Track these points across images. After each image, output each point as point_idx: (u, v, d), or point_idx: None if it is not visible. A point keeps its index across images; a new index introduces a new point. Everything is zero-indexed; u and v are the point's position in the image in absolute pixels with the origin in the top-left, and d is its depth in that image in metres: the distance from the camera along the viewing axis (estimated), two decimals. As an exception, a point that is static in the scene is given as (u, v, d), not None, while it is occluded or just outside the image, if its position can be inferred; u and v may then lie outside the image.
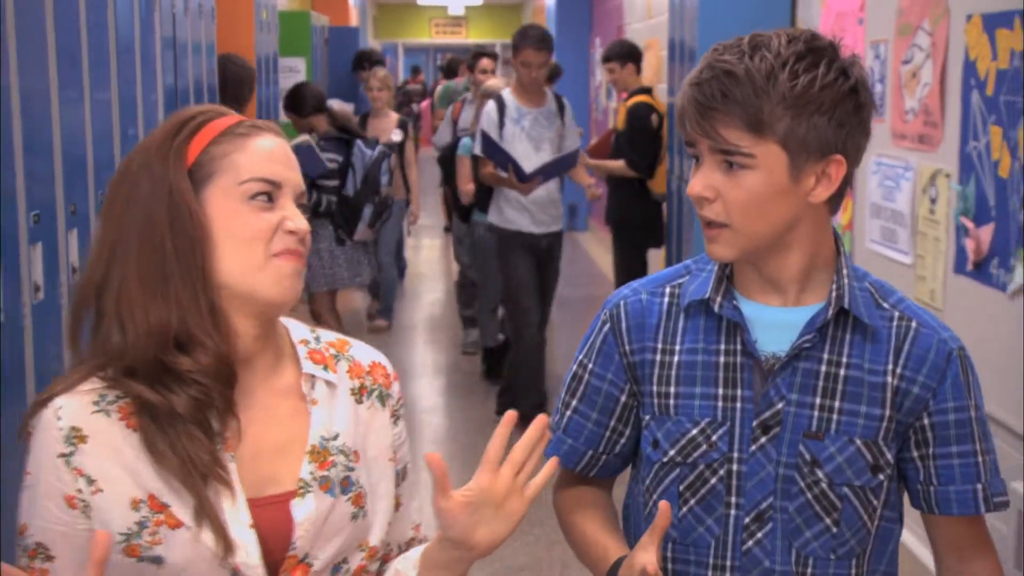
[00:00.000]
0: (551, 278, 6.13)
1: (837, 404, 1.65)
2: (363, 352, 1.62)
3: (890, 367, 1.65)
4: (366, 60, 10.25)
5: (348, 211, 6.08)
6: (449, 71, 12.57)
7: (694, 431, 1.67)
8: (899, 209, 4.23)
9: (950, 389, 1.67)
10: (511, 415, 1.45)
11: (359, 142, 6.12)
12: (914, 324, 1.68)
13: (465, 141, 6.84)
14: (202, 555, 1.41)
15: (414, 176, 8.00)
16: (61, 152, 2.96)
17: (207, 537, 1.40)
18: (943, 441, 1.68)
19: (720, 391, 1.67)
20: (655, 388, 1.71)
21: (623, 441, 1.78)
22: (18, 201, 2.71)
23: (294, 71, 8.61)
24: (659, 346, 1.71)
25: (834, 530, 1.67)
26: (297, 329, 1.59)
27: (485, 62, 7.91)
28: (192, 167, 1.45)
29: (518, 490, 1.45)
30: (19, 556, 1.46)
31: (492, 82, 7.07)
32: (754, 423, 1.65)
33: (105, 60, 3.45)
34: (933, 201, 3.94)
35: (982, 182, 3.59)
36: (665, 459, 1.70)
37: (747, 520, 1.67)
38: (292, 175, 1.49)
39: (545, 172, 5.82)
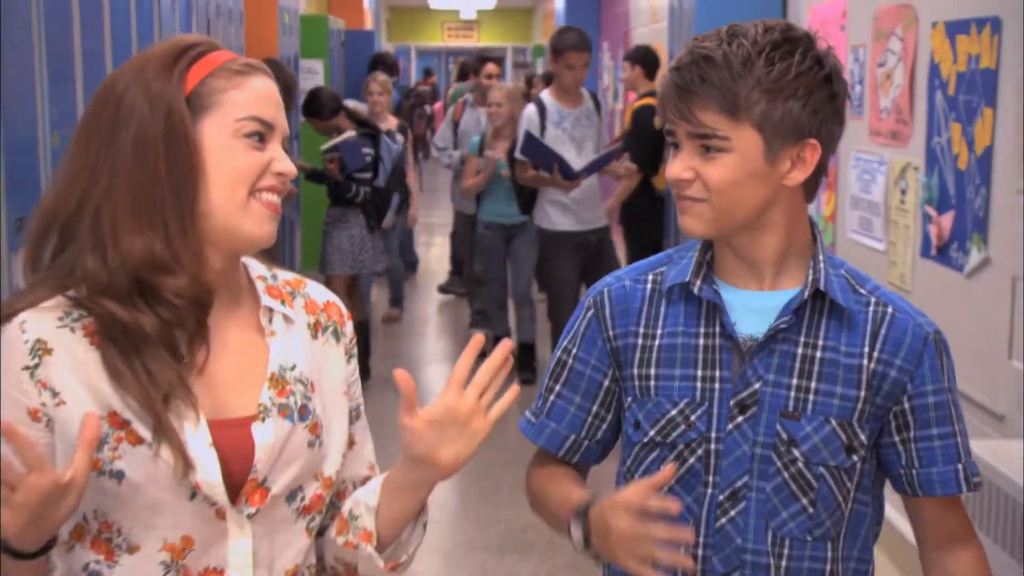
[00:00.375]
0: (606, 273, 6.25)
1: (813, 384, 1.66)
2: (318, 291, 1.64)
3: (866, 350, 1.67)
4: (381, 63, 10.64)
5: (379, 201, 6.51)
6: (461, 74, 12.95)
7: (673, 411, 1.70)
8: (874, 200, 4.59)
9: (928, 372, 1.69)
10: (479, 338, 1.50)
11: (384, 137, 6.51)
12: (890, 309, 1.70)
13: (473, 140, 7.21)
14: (162, 472, 1.41)
15: (412, 179, 8.33)
16: (50, 153, 2.92)
17: (167, 454, 1.40)
18: (923, 424, 1.69)
19: (699, 372, 1.69)
20: (636, 371, 1.73)
21: (604, 427, 1.80)
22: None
23: (313, 72, 8.99)
24: (641, 330, 1.73)
25: (810, 510, 1.68)
26: (255, 266, 1.59)
27: (491, 67, 8.23)
28: (189, 95, 1.45)
29: (481, 411, 1.48)
30: None
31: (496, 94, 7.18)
32: (731, 402, 1.68)
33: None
34: (903, 192, 4.30)
35: (944, 174, 3.95)
36: (645, 439, 1.72)
37: (721, 498, 1.69)
38: (282, 119, 1.51)
39: (590, 169, 5.93)
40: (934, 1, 4.07)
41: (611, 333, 1.75)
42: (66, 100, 3.06)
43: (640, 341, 1.73)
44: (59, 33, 3.00)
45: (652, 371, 1.72)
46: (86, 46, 3.21)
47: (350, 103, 8.35)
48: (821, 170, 1.68)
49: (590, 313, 1.78)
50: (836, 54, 1.66)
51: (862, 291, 1.71)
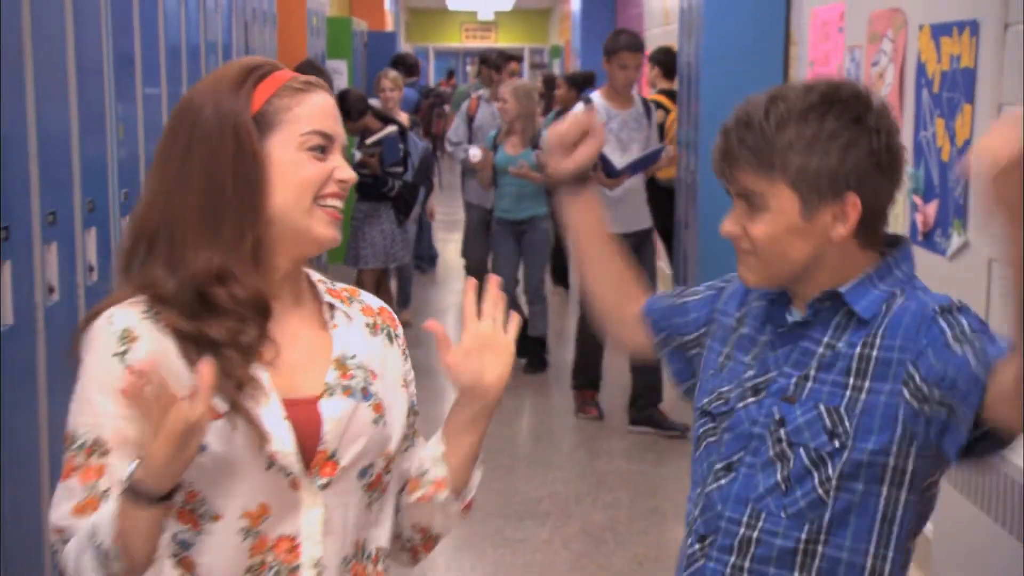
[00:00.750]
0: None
1: (813, 373, 1.76)
2: (371, 299, 1.77)
3: (867, 339, 1.73)
4: (401, 63, 10.99)
5: (408, 195, 6.83)
6: (485, 69, 13.27)
7: (724, 388, 1.86)
8: (868, 191, 4.90)
9: (930, 348, 1.68)
10: (471, 281, 1.66)
11: (411, 133, 6.85)
12: (900, 300, 1.75)
13: (490, 134, 7.49)
14: (240, 444, 1.52)
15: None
16: (79, 148, 3.07)
17: (243, 427, 1.51)
18: (951, 386, 1.65)
19: (747, 358, 1.85)
20: (722, 348, 1.90)
21: (677, 341, 2.00)
22: (32, 199, 2.79)
23: (337, 72, 9.33)
24: (736, 316, 1.90)
25: (783, 487, 1.76)
26: (314, 273, 1.71)
27: (514, 65, 8.54)
28: (256, 114, 1.56)
29: (500, 331, 1.66)
30: (73, 457, 1.53)
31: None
32: (747, 384, 1.81)
33: (197, 64, 4.17)
34: (894, 183, 4.62)
35: (929, 165, 4.26)
36: (699, 407, 1.90)
37: (718, 467, 1.83)
38: (340, 130, 1.63)
39: (633, 168, 5.94)
40: (921, 5, 4.39)
41: (719, 307, 1.94)
42: (96, 99, 3.30)
43: (732, 323, 1.90)
44: (117, 32, 3.32)
45: (729, 351, 1.88)
46: (118, 47, 3.54)
47: (373, 102, 8.71)
48: (874, 220, 1.75)
49: (716, 287, 1.99)
50: (888, 112, 1.75)
51: (898, 293, 1.75)
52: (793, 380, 1.77)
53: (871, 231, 1.77)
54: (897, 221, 4.57)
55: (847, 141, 1.70)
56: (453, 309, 9.40)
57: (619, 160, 5.89)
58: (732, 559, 1.79)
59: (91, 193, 3.10)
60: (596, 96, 6.12)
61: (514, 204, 6.96)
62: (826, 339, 1.76)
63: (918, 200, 4.35)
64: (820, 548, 1.76)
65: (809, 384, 1.76)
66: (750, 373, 1.82)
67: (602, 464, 5.66)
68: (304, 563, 1.57)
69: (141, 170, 3.55)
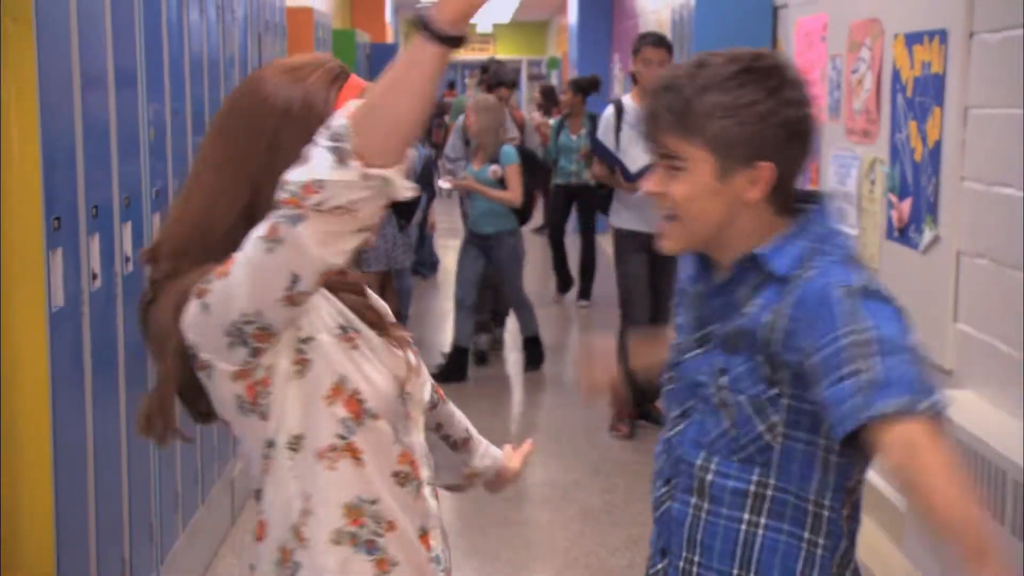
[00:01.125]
0: (666, 280, 5.86)
1: (747, 326, 1.83)
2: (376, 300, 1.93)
3: (778, 308, 1.78)
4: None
5: (410, 200, 7.08)
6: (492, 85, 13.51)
7: (677, 340, 1.99)
8: (849, 191, 5.18)
9: (819, 322, 1.71)
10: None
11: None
12: (811, 273, 1.77)
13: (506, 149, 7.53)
14: (393, 363, 1.73)
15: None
16: (117, 151, 3.30)
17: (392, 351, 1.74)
18: (827, 371, 1.67)
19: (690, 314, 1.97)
20: (679, 309, 2.02)
21: None
22: (78, 194, 3.00)
23: (341, 83, 9.62)
24: (685, 278, 2.03)
25: (732, 433, 1.84)
26: None
27: (503, 91, 8.30)
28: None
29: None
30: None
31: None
32: (692, 336, 1.93)
33: (217, 71, 4.46)
34: (872, 183, 4.90)
35: (904, 165, 4.55)
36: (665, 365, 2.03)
37: (675, 414, 1.96)
38: None
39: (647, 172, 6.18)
40: (896, 15, 4.67)
41: (681, 277, 2.07)
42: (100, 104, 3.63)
43: (686, 286, 2.01)
44: (149, 43, 3.60)
45: (682, 308, 2.01)
46: (149, 57, 3.81)
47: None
48: (785, 187, 1.83)
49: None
50: (803, 84, 1.83)
51: (812, 263, 1.79)
52: (729, 332, 1.85)
53: (783, 196, 1.84)
54: (875, 218, 4.86)
55: (764, 111, 1.77)
56: (451, 315, 9.65)
57: (643, 161, 5.85)
58: (694, 500, 1.90)
59: (127, 190, 3.38)
60: (627, 99, 6.18)
61: (482, 218, 7.13)
62: (750, 299, 1.83)
63: (893, 198, 4.63)
64: (769, 491, 1.84)
65: (744, 337, 1.82)
66: (693, 326, 1.94)
67: (600, 453, 5.93)
68: (424, 479, 1.78)
69: (170, 171, 3.83)
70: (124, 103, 3.35)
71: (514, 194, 6.92)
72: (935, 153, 4.26)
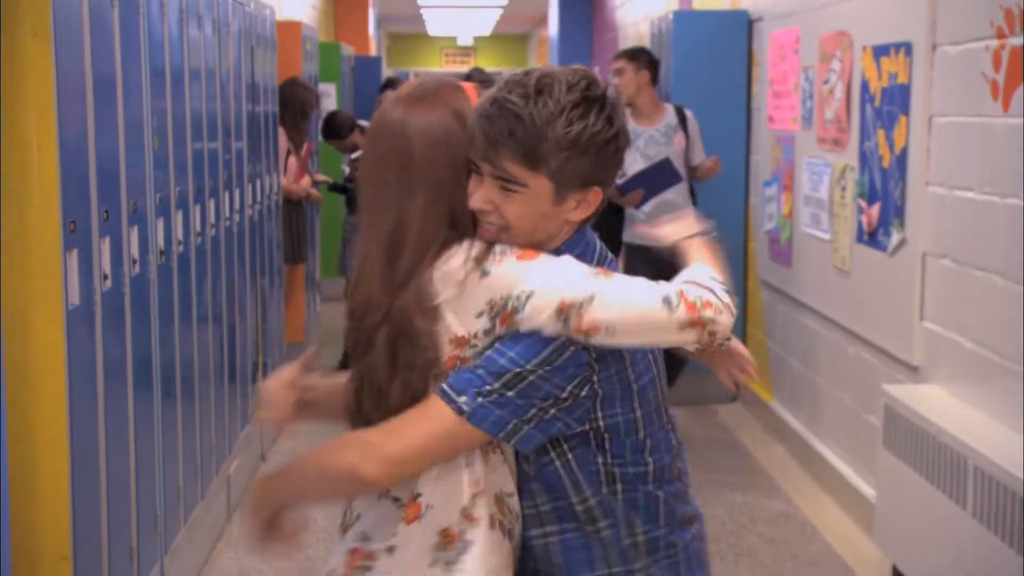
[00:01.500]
0: None
1: None
2: None
3: None
4: (388, 86, 11.49)
5: None
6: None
7: None
8: (821, 197, 5.39)
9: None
10: None
11: None
12: None
13: None
14: None
15: None
16: (125, 156, 3.47)
17: None
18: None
19: None
20: None
21: None
22: (91, 199, 3.16)
23: (327, 95, 9.79)
24: None
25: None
26: None
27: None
28: None
29: None
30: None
31: None
32: None
33: (214, 82, 4.64)
34: (843, 189, 5.11)
35: (872, 172, 4.76)
36: None
37: None
38: None
39: (643, 185, 5.85)
40: (864, 28, 4.89)
41: None
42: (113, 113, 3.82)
43: None
44: (153, 55, 3.77)
45: None
46: (152, 68, 4.00)
47: (363, 123, 9.18)
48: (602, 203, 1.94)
49: None
50: (621, 107, 1.91)
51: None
52: None
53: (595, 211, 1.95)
54: (846, 223, 5.06)
55: (602, 142, 1.85)
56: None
57: (633, 169, 5.87)
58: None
59: (134, 196, 3.55)
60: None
61: None
62: None
63: (863, 203, 4.84)
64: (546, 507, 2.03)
65: None
66: None
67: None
68: None
69: (171, 178, 4.00)
70: (130, 113, 3.52)
71: None
72: (902, 160, 4.47)
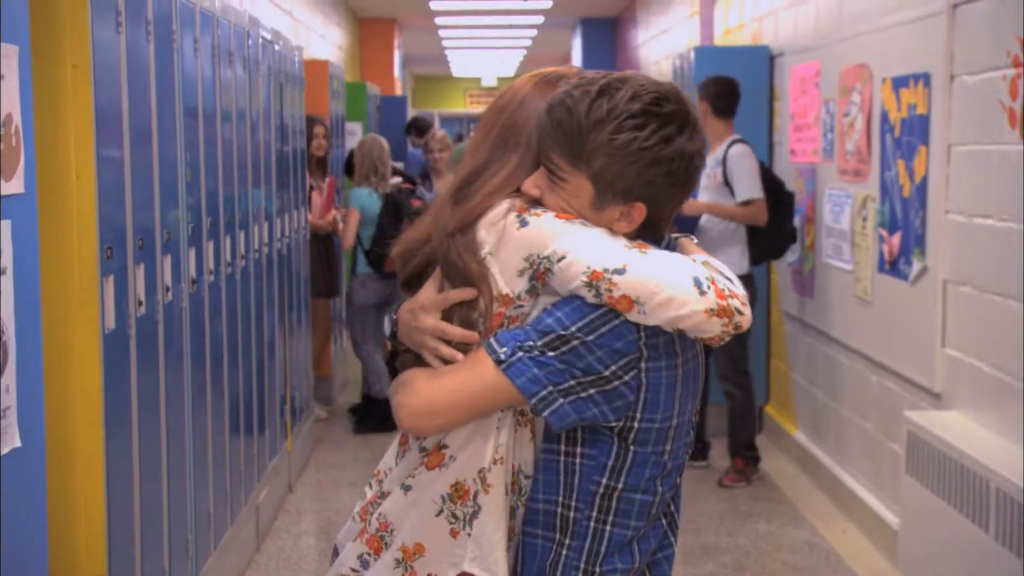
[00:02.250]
0: None
1: None
2: None
3: None
4: (414, 126, 11.64)
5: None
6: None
7: None
8: (843, 228, 5.44)
9: None
10: None
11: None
12: None
13: None
14: None
15: None
16: (159, 186, 3.57)
17: None
18: None
19: None
20: None
21: None
22: (127, 227, 3.24)
23: (352, 134, 9.92)
24: None
25: None
26: None
27: None
28: None
29: None
30: None
31: None
32: None
33: (244, 119, 4.74)
34: (864, 219, 5.16)
35: (893, 202, 4.81)
36: None
37: None
38: None
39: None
40: (883, 61, 4.96)
41: None
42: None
43: None
44: (186, 94, 3.88)
45: None
46: (186, 105, 4.10)
47: (398, 165, 9.27)
48: (657, 224, 1.90)
49: None
50: (698, 135, 1.85)
51: None
52: None
53: (652, 231, 1.91)
54: (867, 252, 5.11)
55: (653, 157, 1.80)
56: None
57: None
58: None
59: (167, 226, 3.65)
60: None
61: None
62: None
63: (884, 232, 4.89)
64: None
65: None
66: None
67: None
68: None
69: (203, 209, 4.09)
70: (165, 146, 3.62)
71: None
72: (921, 189, 4.52)
